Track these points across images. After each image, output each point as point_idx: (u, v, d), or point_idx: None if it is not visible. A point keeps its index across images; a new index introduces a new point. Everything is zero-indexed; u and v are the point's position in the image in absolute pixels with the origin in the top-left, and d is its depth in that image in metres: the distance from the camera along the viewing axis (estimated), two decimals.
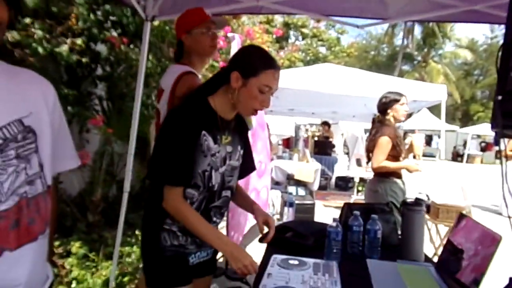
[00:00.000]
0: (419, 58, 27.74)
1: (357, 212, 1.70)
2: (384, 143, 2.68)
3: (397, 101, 2.81)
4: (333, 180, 8.62)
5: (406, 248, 1.61)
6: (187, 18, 1.75)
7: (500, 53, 1.64)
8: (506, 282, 1.70)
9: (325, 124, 9.36)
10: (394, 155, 2.71)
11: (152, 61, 3.39)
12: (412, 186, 5.83)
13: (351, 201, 6.21)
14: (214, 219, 1.42)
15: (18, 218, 0.87)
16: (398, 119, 2.81)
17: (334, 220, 1.59)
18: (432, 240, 3.29)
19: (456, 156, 21.51)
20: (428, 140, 22.29)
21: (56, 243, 2.77)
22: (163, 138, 1.31)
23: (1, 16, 0.81)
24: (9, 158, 0.86)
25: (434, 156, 19.23)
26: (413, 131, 12.24)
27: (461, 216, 1.33)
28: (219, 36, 4.58)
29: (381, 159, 2.69)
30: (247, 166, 1.57)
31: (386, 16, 2.27)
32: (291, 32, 19.53)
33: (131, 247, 3.12)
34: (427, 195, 5.93)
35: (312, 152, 8.94)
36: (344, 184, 8.21)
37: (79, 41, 2.47)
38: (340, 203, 6.46)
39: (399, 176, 2.81)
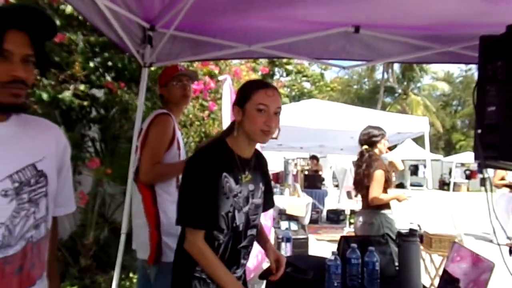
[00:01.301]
0: (400, 90, 28.77)
1: (354, 245, 1.75)
2: (380, 176, 2.81)
3: (384, 135, 2.96)
4: (324, 213, 8.63)
5: (404, 279, 1.65)
6: (163, 74, 2.04)
7: (475, 91, 1.80)
8: None
9: (314, 158, 9.51)
10: (385, 187, 2.82)
11: (146, 104, 3.50)
12: (403, 217, 5.90)
13: (344, 233, 6.22)
14: (242, 261, 1.45)
15: (22, 264, 0.88)
16: (382, 152, 2.95)
17: (333, 253, 1.64)
18: (427, 270, 3.32)
19: (443, 185, 21.82)
20: (414, 170, 22.67)
21: None
22: (186, 181, 1.37)
23: (30, 78, 0.88)
24: (23, 201, 0.88)
25: (421, 186, 19.47)
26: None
27: (454, 245, 1.39)
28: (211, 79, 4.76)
29: (379, 192, 2.79)
30: (268, 202, 1.62)
31: (369, 58, 2.44)
32: (276, 69, 20.18)
33: None
34: (418, 225, 6.01)
35: (302, 186, 9.00)
36: (336, 216, 8.22)
37: (82, 87, 2.57)
38: (333, 236, 6.48)
39: (389, 207, 2.91)
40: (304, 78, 21.36)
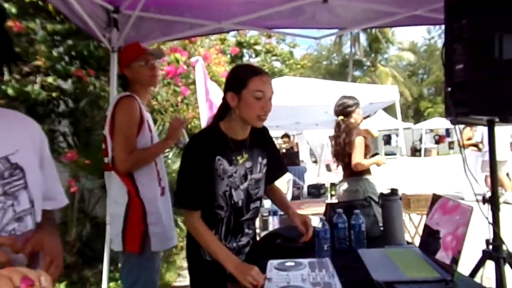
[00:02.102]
0: (368, 63, 29.24)
1: (340, 210, 1.80)
2: (360, 143, 2.88)
3: (358, 105, 3.01)
4: (305, 189, 8.78)
5: (389, 235, 1.73)
6: (125, 53, 1.90)
7: (443, 51, 1.85)
8: (480, 255, 1.86)
9: (285, 136, 9.62)
10: (365, 154, 2.89)
11: (119, 90, 3.43)
12: (382, 182, 6.11)
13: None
14: (246, 230, 1.56)
15: None
16: (358, 122, 3.01)
17: (321, 219, 1.68)
18: (407, 229, 3.47)
19: (414, 151, 22.63)
20: (387, 140, 23.35)
21: None
22: (182, 166, 1.44)
23: None
24: None
25: (395, 154, 20.11)
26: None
27: (436, 197, 1.46)
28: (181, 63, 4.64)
29: (361, 158, 2.86)
30: (277, 170, 1.68)
31: (339, 26, 2.46)
32: (244, 51, 19.98)
33: (116, 282, 3.03)
34: (396, 189, 6.21)
35: None
36: (317, 191, 8.35)
37: (49, 79, 2.44)
38: (316, 209, 6.62)
39: (370, 172, 2.99)
40: (274, 58, 21.29)
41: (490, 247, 1.80)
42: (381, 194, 1.84)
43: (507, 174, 6.65)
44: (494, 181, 1.83)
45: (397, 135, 21.78)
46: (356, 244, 1.72)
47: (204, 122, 2.90)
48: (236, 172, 1.45)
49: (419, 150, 22.11)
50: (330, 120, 5.64)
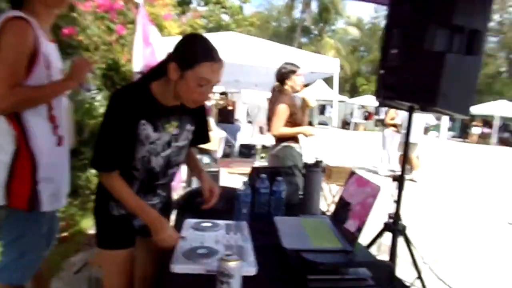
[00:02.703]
0: (316, 32, 29.51)
1: (264, 175, 1.83)
2: (282, 111, 2.88)
3: (294, 72, 3.00)
4: (236, 148, 8.89)
5: (306, 204, 1.82)
6: None
7: (383, 34, 1.90)
8: (381, 227, 2.05)
9: (223, 93, 9.54)
10: (292, 122, 2.92)
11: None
12: (309, 151, 6.40)
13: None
14: (159, 191, 1.50)
15: None
16: (295, 89, 3.02)
17: (244, 183, 1.70)
18: (325, 198, 3.72)
19: (345, 124, 23.98)
20: (322, 110, 24.35)
21: None
22: (102, 125, 1.30)
23: None
24: None
25: (327, 124, 21.13)
26: None
27: (352, 174, 1.55)
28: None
29: (279, 125, 2.88)
30: (199, 139, 1.59)
31: None
32: None
33: None
34: (320, 161, 6.55)
35: (216, 120, 9.03)
36: (247, 151, 8.53)
37: None
38: (244, 169, 6.77)
39: (297, 141, 3.05)
40: (223, 10, 20.43)
41: (391, 220, 2.01)
42: (305, 164, 1.90)
43: (417, 156, 7.36)
44: (404, 163, 2.00)
45: (331, 107, 22.80)
46: (274, 210, 1.78)
47: (138, 67, 2.69)
48: (159, 139, 1.36)
49: (349, 124, 23.49)
50: (270, 82, 5.66)
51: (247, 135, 9.36)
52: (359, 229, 1.23)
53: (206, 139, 1.65)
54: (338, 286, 1.08)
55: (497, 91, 26.56)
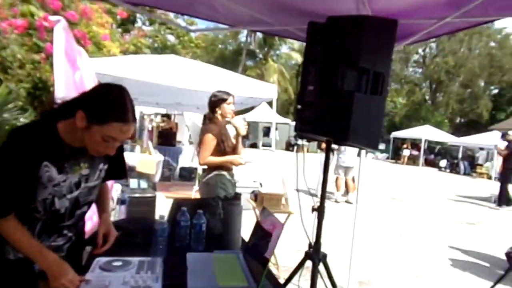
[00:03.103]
0: (261, 55, 30.39)
1: (184, 208, 1.81)
2: (209, 140, 2.89)
3: (224, 100, 3.04)
4: (177, 171, 8.72)
5: (227, 236, 1.82)
6: None
7: (301, 70, 2.02)
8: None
9: (166, 116, 9.41)
10: (220, 151, 2.94)
11: None
12: (248, 176, 6.45)
13: (193, 191, 6.44)
14: (65, 232, 1.41)
15: None
16: (225, 116, 3.06)
17: (161, 217, 1.67)
18: None
19: (289, 146, 24.64)
20: (267, 132, 24.86)
21: None
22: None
23: None
24: None
25: (270, 146, 21.53)
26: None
27: (264, 209, 1.58)
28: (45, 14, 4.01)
29: (206, 155, 2.89)
30: (114, 174, 1.53)
31: (233, 24, 2.46)
32: (138, 15, 18.53)
33: None
34: (260, 183, 6.60)
35: (157, 142, 8.81)
36: (188, 174, 8.41)
37: None
38: (183, 193, 6.62)
39: (227, 169, 3.05)
40: (169, 31, 20.34)
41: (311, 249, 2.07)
42: (225, 197, 1.91)
43: (353, 178, 7.75)
44: (323, 194, 2.09)
45: (276, 129, 23.41)
46: (195, 243, 1.76)
47: (61, 93, 2.55)
48: (65, 180, 1.29)
49: (293, 145, 24.20)
50: None
51: (189, 157, 9.24)
52: (264, 265, 1.26)
53: (122, 174, 1.60)
54: None
55: (423, 117, 29.14)
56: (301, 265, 2.10)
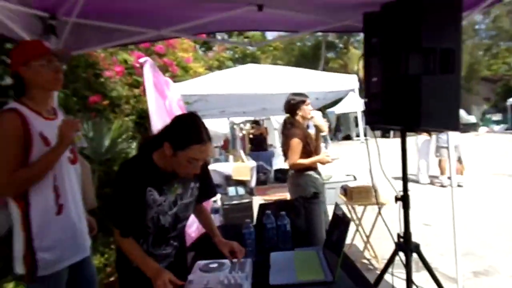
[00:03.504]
0: (341, 45, 29.43)
1: (268, 211, 1.96)
2: (295, 145, 2.98)
3: (303, 102, 3.12)
4: (272, 174, 8.99)
5: (311, 233, 1.91)
6: (22, 50, 1.67)
7: (363, 63, 2.01)
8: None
9: (255, 122, 9.75)
10: (306, 152, 3.02)
11: (65, 92, 3.41)
12: (340, 169, 6.36)
13: None
14: (171, 242, 1.66)
15: None
16: (306, 118, 3.13)
17: (246, 222, 1.84)
18: (352, 219, 3.73)
19: (385, 132, 23.28)
20: (356, 122, 23.89)
21: None
22: (115, 191, 1.51)
23: None
24: None
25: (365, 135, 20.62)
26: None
27: (337, 205, 1.63)
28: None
29: (295, 159, 2.99)
30: (206, 194, 1.77)
31: (278, 29, 2.57)
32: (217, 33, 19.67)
33: None
34: (354, 176, 6.43)
35: (249, 149, 9.25)
36: (283, 176, 8.58)
37: None
38: (280, 195, 6.83)
39: (314, 168, 3.13)
40: (246, 40, 21.09)
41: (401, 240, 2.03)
42: (304, 197, 2.00)
43: (459, 158, 7.04)
44: (405, 183, 2.02)
45: None
46: (281, 243, 1.89)
47: (155, 119, 2.94)
48: (165, 200, 1.54)
49: (389, 132, 22.81)
50: None
51: (281, 160, 9.46)
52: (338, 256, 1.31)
53: (212, 193, 1.84)
54: None
55: None
56: (393, 257, 2.07)
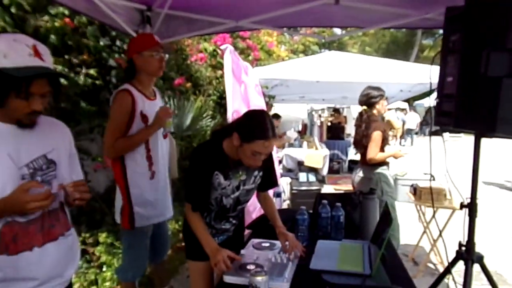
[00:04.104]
0: (441, 31, 26.75)
1: (325, 201, 2.02)
2: (378, 137, 2.96)
3: (383, 96, 3.06)
4: (346, 164, 8.84)
5: (363, 227, 1.93)
6: (139, 41, 2.04)
7: (440, 62, 1.91)
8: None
9: (335, 111, 9.58)
10: (382, 146, 2.99)
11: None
12: (418, 166, 5.98)
13: None
14: (231, 219, 1.83)
15: (43, 224, 1.22)
16: (381, 113, 3.07)
17: (301, 209, 1.94)
18: (420, 219, 3.56)
19: None
20: None
21: (87, 234, 3.25)
22: (187, 172, 1.71)
23: (45, 91, 1.17)
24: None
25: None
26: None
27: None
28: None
29: (376, 151, 2.97)
30: (267, 184, 1.90)
31: (350, 25, 2.52)
32: None
33: None
34: (432, 176, 6.07)
35: (326, 137, 9.17)
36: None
37: (91, 71, 2.87)
38: (349, 186, 6.70)
39: (386, 163, 3.09)
40: (316, 33, 20.40)
41: (463, 248, 1.94)
42: (360, 192, 2.02)
43: None
44: (474, 190, 1.91)
45: None
46: (334, 233, 1.95)
47: (230, 102, 3.13)
48: (229, 185, 1.70)
49: None
50: None
51: None
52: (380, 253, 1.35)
53: (273, 184, 1.94)
54: None
55: None
56: (452, 265, 1.99)
